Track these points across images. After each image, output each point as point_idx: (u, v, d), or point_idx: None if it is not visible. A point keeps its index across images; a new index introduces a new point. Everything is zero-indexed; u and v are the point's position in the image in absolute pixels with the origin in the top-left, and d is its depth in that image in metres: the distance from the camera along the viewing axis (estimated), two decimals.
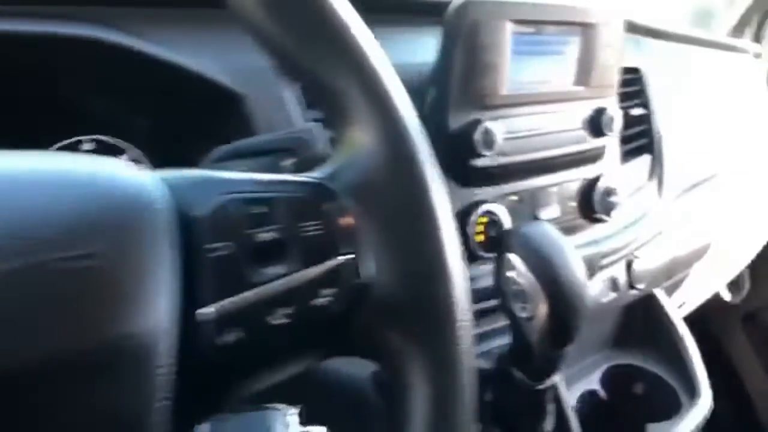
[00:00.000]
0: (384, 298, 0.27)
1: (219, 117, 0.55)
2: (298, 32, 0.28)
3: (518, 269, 0.46)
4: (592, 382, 0.84)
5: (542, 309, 0.46)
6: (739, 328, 1.60)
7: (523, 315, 0.46)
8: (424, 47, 0.60)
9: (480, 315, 0.60)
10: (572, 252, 0.47)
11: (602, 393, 0.84)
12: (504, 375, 0.53)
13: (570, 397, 0.80)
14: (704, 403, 0.81)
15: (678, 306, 1.14)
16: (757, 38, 1.47)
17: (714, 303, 1.52)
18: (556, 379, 0.52)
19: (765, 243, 1.37)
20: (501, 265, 0.48)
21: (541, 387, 0.51)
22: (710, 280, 1.24)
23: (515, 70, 0.61)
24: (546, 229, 0.49)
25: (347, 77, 0.28)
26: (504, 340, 0.56)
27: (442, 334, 0.28)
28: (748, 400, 1.61)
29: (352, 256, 0.27)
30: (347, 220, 0.27)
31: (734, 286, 1.52)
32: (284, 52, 0.29)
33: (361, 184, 0.28)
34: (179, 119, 0.58)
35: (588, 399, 0.82)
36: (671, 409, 0.82)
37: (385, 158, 0.28)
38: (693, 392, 0.83)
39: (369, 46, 0.29)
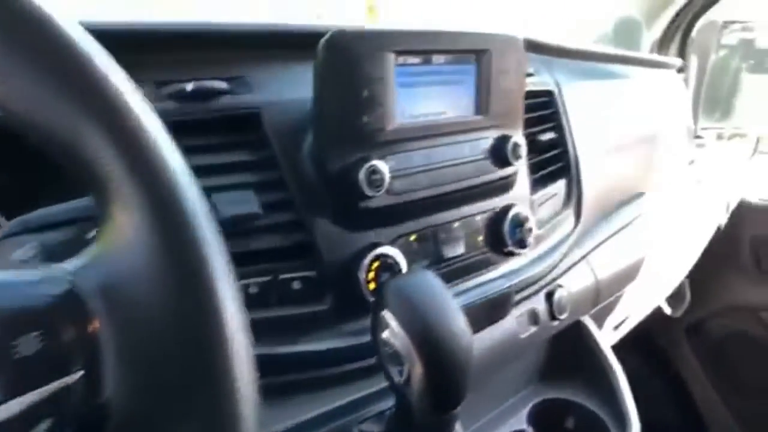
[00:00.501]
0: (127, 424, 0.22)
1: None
2: (24, 69, 0.21)
3: (392, 328, 0.42)
4: (520, 421, 0.80)
5: (418, 371, 0.41)
6: (683, 340, 1.61)
7: (399, 379, 0.42)
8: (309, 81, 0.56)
9: (374, 371, 0.55)
10: (449, 303, 0.43)
11: (530, 431, 0.80)
12: None
13: None
14: None
15: (616, 326, 1.12)
16: (681, 53, 1.49)
17: (657, 317, 1.52)
18: None
19: (701, 256, 1.37)
20: (375, 325, 0.44)
21: None
22: (649, 297, 1.23)
23: (404, 103, 0.57)
24: (420, 279, 0.44)
25: (95, 137, 0.22)
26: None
27: None
28: (695, 408, 1.61)
29: (83, 374, 0.22)
30: (88, 328, 0.22)
31: (675, 299, 1.53)
32: (8, 98, 0.21)
33: (113, 283, 0.22)
34: (34, 173, 0.52)
35: None
36: None
37: (148, 250, 0.22)
38: (623, 425, 0.80)
39: (124, 93, 0.22)
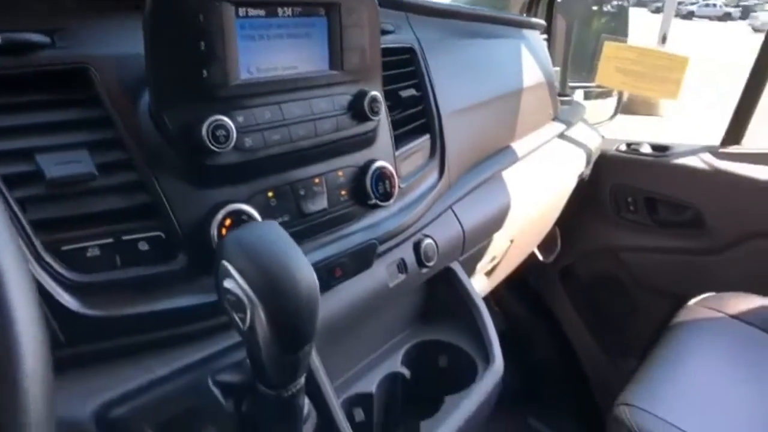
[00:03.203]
0: None
1: None
2: None
3: (232, 276, 0.43)
4: (395, 364, 0.85)
5: (260, 315, 0.42)
6: (556, 283, 1.75)
7: (244, 327, 0.43)
8: None
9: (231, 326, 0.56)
10: (288, 248, 0.44)
11: (405, 372, 0.85)
12: (253, 388, 0.50)
13: (370, 384, 0.80)
14: (496, 371, 0.85)
15: (488, 272, 1.20)
16: (548, 15, 1.58)
17: (533, 264, 1.65)
18: (302, 381, 0.50)
19: (568, 205, 1.49)
20: (217, 275, 0.44)
21: (286, 394, 0.48)
22: (520, 245, 1.32)
23: (249, 57, 0.56)
24: (258, 227, 0.45)
25: None
26: None
27: None
28: (570, 346, 1.78)
29: None
30: None
31: (547, 246, 1.66)
32: None
33: None
34: None
35: (389, 381, 0.82)
36: (471, 378, 0.85)
37: None
38: (488, 359, 0.87)
39: None
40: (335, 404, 0.60)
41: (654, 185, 1.47)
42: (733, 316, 1.18)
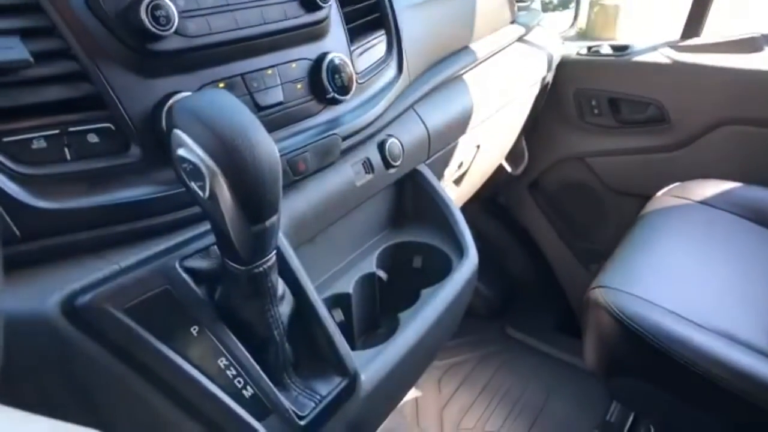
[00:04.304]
0: None
1: None
2: None
3: (186, 143, 0.41)
4: (370, 265, 0.86)
5: (222, 184, 0.41)
6: (526, 196, 1.77)
7: (204, 195, 0.42)
8: None
9: (196, 218, 0.55)
10: (244, 113, 0.43)
11: (380, 273, 0.86)
12: (223, 268, 0.50)
13: (347, 285, 0.81)
14: (470, 261, 0.86)
15: (456, 180, 1.21)
16: None
17: (501, 177, 1.66)
18: (273, 257, 0.49)
19: (533, 113, 1.49)
20: (170, 144, 0.43)
21: (257, 269, 0.48)
22: (487, 154, 1.32)
23: None
24: (208, 94, 0.44)
25: None
26: None
27: None
28: (543, 257, 1.82)
29: None
30: None
31: (514, 158, 1.66)
32: None
33: None
34: None
35: (366, 282, 0.83)
36: (447, 273, 0.86)
37: None
38: (462, 253, 0.88)
39: None
40: (311, 288, 0.61)
41: (616, 85, 1.48)
42: (700, 202, 1.21)
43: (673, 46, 1.43)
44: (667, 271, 1.00)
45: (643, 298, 0.91)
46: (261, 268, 0.48)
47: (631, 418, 1.30)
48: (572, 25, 1.77)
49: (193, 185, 0.42)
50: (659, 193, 1.28)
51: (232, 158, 0.41)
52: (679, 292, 0.94)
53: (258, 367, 0.53)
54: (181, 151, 0.42)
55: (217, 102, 0.43)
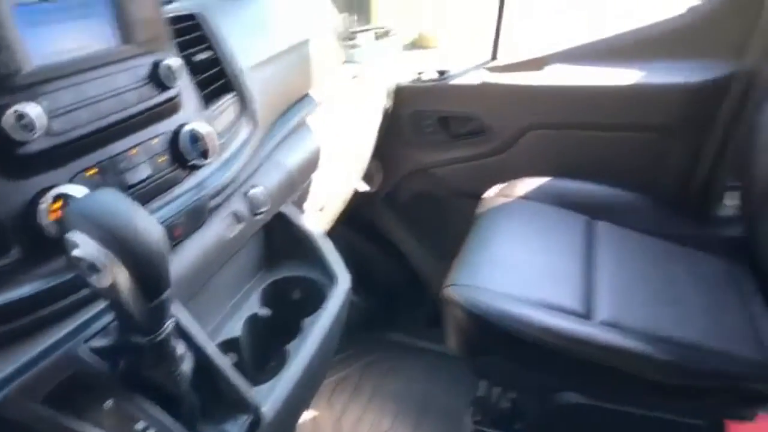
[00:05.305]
0: None
1: None
2: None
3: (81, 244, 0.47)
4: (255, 305, 0.93)
5: (120, 272, 0.48)
6: (384, 208, 1.94)
7: (103, 285, 0.48)
8: None
9: (89, 300, 0.59)
10: (129, 205, 0.49)
11: (264, 311, 0.94)
12: (126, 342, 0.55)
13: (236, 328, 0.88)
14: (341, 286, 0.98)
15: (321, 208, 1.32)
16: None
17: (361, 196, 1.81)
18: (171, 324, 0.56)
19: (380, 135, 1.65)
20: (66, 248, 0.48)
21: (159, 338, 0.55)
22: (343, 179, 1.45)
23: (38, 43, 0.58)
24: (95, 195, 0.50)
25: None
26: None
27: None
28: (408, 262, 2.00)
29: None
30: None
31: (369, 177, 1.82)
32: None
33: None
34: None
35: (252, 322, 0.91)
36: (322, 300, 0.97)
37: None
38: (333, 281, 0.99)
39: None
40: (206, 340, 0.68)
41: (442, 105, 1.70)
42: (520, 197, 1.45)
43: (482, 68, 1.68)
44: (502, 261, 1.20)
45: (487, 288, 1.09)
46: (162, 336, 0.55)
47: (498, 392, 1.50)
48: (401, 51, 1.98)
49: (93, 278, 0.48)
50: (487, 194, 1.50)
51: (125, 246, 0.48)
52: (512, 278, 1.14)
53: (172, 421, 0.59)
54: (77, 252, 0.47)
55: (103, 201, 0.49)
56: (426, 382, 1.72)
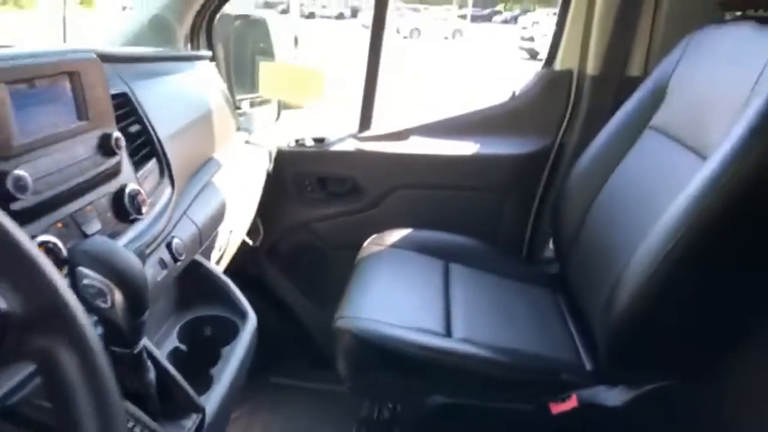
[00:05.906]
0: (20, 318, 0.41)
1: None
2: None
3: (88, 275, 0.62)
4: (174, 341, 1.07)
5: (117, 296, 0.63)
6: (267, 263, 2.11)
7: (105, 306, 0.63)
8: None
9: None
10: (118, 247, 0.66)
11: (183, 347, 1.08)
12: (112, 354, 0.69)
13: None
14: (251, 322, 1.15)
15: (217, 260, 1.47)
16: (209, 44, 1.87)
17: (245, 251, 1.96)
18: (145, 341, 0.71)
19: (267, 195, 1.84)
20: (74, 278, 0.63)
21: (136, 350, 0.70)
22: (234, 234, 1.62)
23: (24, 121, 0.72)
24: (92, 239, 0.66)
25: None
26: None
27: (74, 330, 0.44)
28: (291, 310, 2.17)
29: None
30: None
31: (252, 232, 1.99)
32: None
33: None
34: None
35: (174, 355, 1.04)
36: (235, 334, 1.13)
37: None
38: (244, 317, 1.16)
39: None
40: (161, 356, 0.82)
41: (320, 168, 1.95)
42: (391, 246, 1.73)
43: (354, 137, 1.98)
44: (380, 297, 1.45)
45: (370, 318, 1.33)
46: (139, 348, 0.70)
47: (377, 408, 1.71)
48: (277, 119, 2.21)
49: (98, 302, 0.63)
50: (365, 244, 1.76)
51: (121, 276, 0.64)
52: (389, 309, 1.39)
53: (149, 419, 0.73)
54: (86, 281, 0.62)
55: (99, 243, 0.65)
56: (310, 418, 1.88)
